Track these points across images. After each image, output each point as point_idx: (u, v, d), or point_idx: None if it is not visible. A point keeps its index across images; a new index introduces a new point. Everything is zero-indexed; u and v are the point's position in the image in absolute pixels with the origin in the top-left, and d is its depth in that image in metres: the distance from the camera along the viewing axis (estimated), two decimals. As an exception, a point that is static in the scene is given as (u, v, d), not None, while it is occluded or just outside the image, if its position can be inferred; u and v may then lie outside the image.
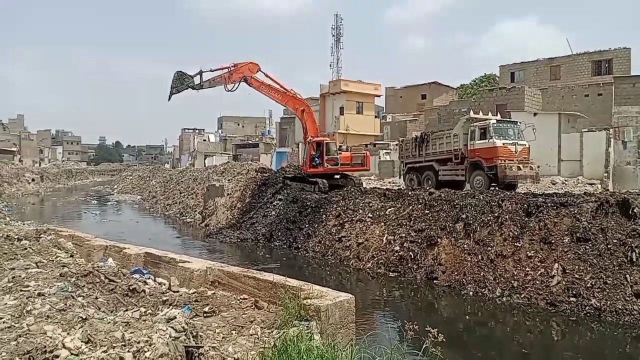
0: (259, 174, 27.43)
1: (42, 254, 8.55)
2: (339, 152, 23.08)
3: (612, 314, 9.95)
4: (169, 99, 22.75)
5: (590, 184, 24.25)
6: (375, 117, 49.86)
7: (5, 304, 5.62)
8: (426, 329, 4.86)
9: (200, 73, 22.65)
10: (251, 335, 5.60)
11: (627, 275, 10.36)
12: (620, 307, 9.98)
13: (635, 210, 11.31)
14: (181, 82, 22.44)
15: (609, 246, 11.01)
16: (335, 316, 6.09)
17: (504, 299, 11.44)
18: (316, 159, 22.85)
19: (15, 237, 9.76)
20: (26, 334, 4.48)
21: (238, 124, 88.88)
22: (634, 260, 10.49)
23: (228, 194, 26.40)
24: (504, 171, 18.08)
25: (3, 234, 10.09)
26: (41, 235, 10.70)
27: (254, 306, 6.54)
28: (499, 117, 22.33)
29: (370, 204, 17.46)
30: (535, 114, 28.43)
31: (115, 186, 62.48)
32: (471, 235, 13.38)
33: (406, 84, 56.27)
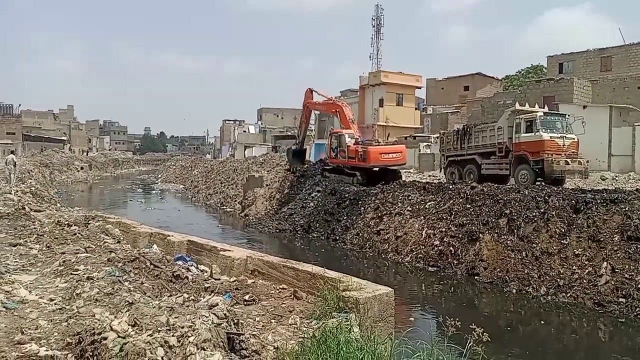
0: (283, 153, 27.76)
1: (91, 239, 8.91)
2: (362, 144, 22.92)
3: (667, 317, 9.45)
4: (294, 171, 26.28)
5: (644, 180, 23.01)
6: (416, 109, 49.05)
7: (57, 286, 5.90)
8: (470, 326, 4.72)
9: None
10: (290, 324, 5.63)
11: (684, 278, 9.80)
12: (675, 310, 9.46)
13: (695, 209, 10.66)
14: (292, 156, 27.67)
15: (664, 246, 10.44)
16: (374, 309, 6.03)
17: (549, 297, 11.06)
18: (334, 150, 23.74)
19: (66, 222, 10.22)
20: (76, 316, 4.68)
21: (277, 115, 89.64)
22: (692, 261, 9.90)
23: (267, 185, 26.71)
24: (550, 166, 17.45)
25: (54, 220, 10.58)
26: (90, 222, 11.14)
27: (293, 296, 6.57)
28: (546, 109, 21.50)
29: (410, 197, 17.23)
30: (584, 107, 27.20)
31: (159, 175, 64.39)
32: (515, 231, 12.99)
33: (448, 75, 55.07)
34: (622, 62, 38.21)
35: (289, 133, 65.31)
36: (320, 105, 27.46)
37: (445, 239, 14.36)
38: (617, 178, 23.91)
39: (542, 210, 12.93)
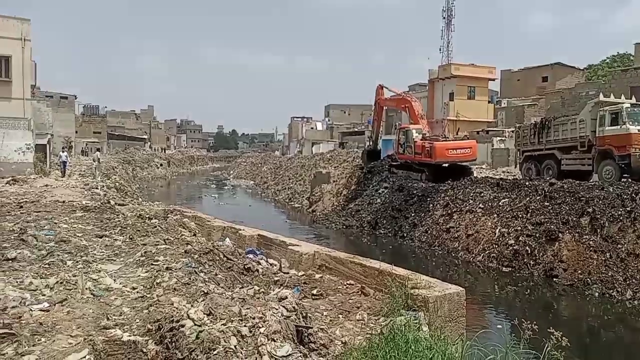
0: (358, 156, 27.67)
1: (170, 232, 9.43)
2: (428, 139, 22.28)
3: None
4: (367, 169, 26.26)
5: None
6: (489, 102, 47.07)
7: (139, 275, 6.30)
8: (547, 330, 4.48)
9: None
10: (358, 320, 5.64)
11: None
12: None
13: None
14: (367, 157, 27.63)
15: None
16: (444, 309, 5.89)
17: (636, 302, 10.25)
18: (402, 145, 23.43)
19: (147, 216, 10.90)
20: (156, 304, 4.98)
21: (344, 112, 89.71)
22: None
23: (334, 181, 26.88)
24: (638, 161, 16.09)
25: (136, 213, 11.32)
26: (168, 215, 11.80)
27: (360, 292, 6.57)
28: (633, 100, 19.85)
29: (482, 194, 16.62)
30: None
31: (231, 172, 66.84)
32: (598, 231, 12.14)
33: (525, 66, 52.30)
34: None
35: (356, 129, 65.32)
36: (390, 101, 27.36)
37: (520, 238, 13.70)
38: None
39: (628, 209, 12.02)
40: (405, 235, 17.93)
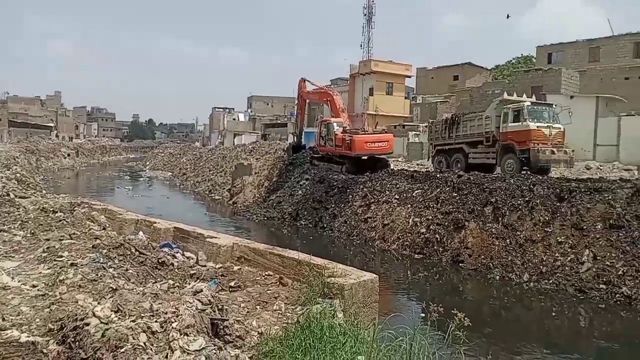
0: (284, 153, 27.61)
1: (76, 226, 8.84)
2: (348, 132, 22.85)
3: (645, 303, 9.68)
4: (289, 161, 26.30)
5: (627, 170, 23.36)
6: (406, 98, 49.08)
7: (40, 273, 5.87)
8: (452, 311, 4.79)
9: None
10: (275, 310, 5.68)
11: (663, 265, 10.03)
12: (654, 296, 9.70)
13: (674, 198, 10.88)
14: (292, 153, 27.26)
15: (644, 234, 10.65)
16: (359, 295, 6.10)
17: (532, 284, 11.27)
18: (323, 138, 23.80)
19: (51, 209, 10.12)
20: (59, 302, 4.67)
21: (267, 104, 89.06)
22: (672, 249, 10.13)
23: (256, 173, 26.66)
24: (536, 155, 17.59)
25: (39, 206, 10.48)
26: (75, 208, 11.04)
27: (278, 283, 6.62)
28: (533, 99, 21.66)
29: (398, 186, 17.34)
30: (571, 97, 27.43)
31: (147, 163, 63.90)
32: (500, 219, 13.17)
33: (438, 65, 55.06)
34: (610, 53, 38.49)
35: (279, 121, 65.12)
36: (313, 94, 27.68)
37: (431, 227, 14.50)
38: (601, 167, 24.23)
39: (527, 199, 13.10)
40: (325, 225, 18.27)
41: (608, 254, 10.80)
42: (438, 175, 17.03)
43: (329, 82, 53.62)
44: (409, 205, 15.93)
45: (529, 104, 18.99)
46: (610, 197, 11.85)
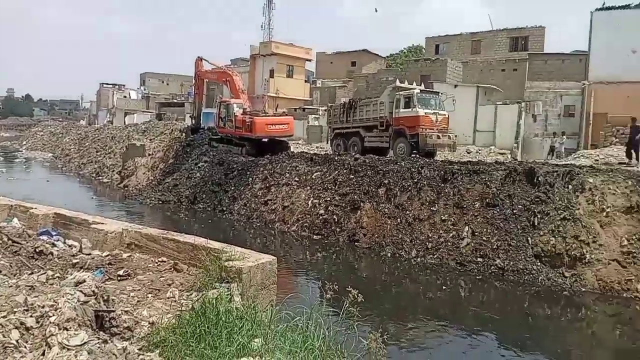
0: (184, 134, 26.44)
1: None
2: (249, 114, 22.61)
3: (514, 273, 10.91)
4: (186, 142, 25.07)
5: (502, 154, 25.98)
6: (306, 81, 49.48)
7: None
8: (347, 289, 4.97)
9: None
10: (168, 298, 5.46)
11: (529, 238, 11.35)
12: (521, 267, 10.95)
13: (539, 179, 12.29)
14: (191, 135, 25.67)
15: (514, 211, 11.94)
16: (257, 278, 6.09)
17: (419, 259, 12.14)
18: (222, 119, 23.35)
19: None
20: None
21: (162, 82, 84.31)
22: (536, 224, 11.48)
23: (150, 154, 25.26)
24: (424, 139, 18.77)
25: None
26: None
27: (172, 269, 6.36)
28: (422, 87, 23.00)
29: (297, 168, 17.52)
30: (455, 86, 29.62)
31: (24, 142, 57.54)
32: (392, 199, 13.92)
33: (337, 50, 56.13)
34: (489, 46, 42.09)
35: (175, 100, 62.17)
36: (211, 73, 26.83)
37: (329, 208, 14.91)
38: (480, 151, 26.65)
39: (415, 181, 13.98)
40: (224, 209, 17.94)
41: (484, 230, 11.95)
42: (336, 158, 17.48)
43: (229, 62, 52.19)
44: (309, 188, 16.21)
45: (418, 91, 20.14)
46: (487, 179, 13.06)
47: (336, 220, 14.47)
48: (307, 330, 4.80)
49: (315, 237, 14.47)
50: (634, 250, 10.40)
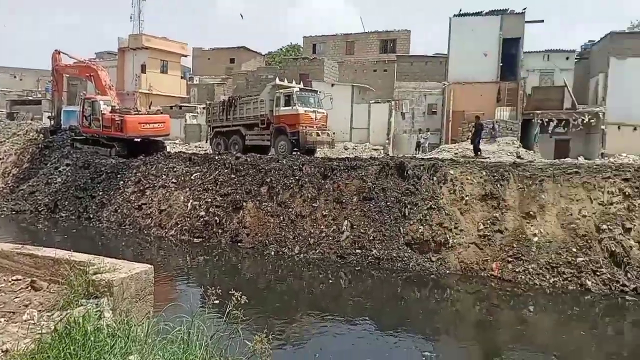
0: (41, 135, 23.69)
1: None
2: (119, 112, 21.14)
3: (389, 261, 11.64)
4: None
5: (375, 149, 27.61)
6: (182, 78, 47.48)
7: None
8: (230, 292, 4.84)
9: None
10: (25, 321, 4.85)
11: (401, 228, 12.19)
12: (394, 255, 11.73)
13: (409, 172, 13.26)
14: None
15: (387, 203, 12.74)
16: (131, 290, 5.67)
17: (302, 255, 12.37)
18: (87, 118, 21.52)
19: None
20: None
21: (15, 76, 74.80)
22: (407, 215, 12.37)
23: (0, 159, 22.25)
24: (305, 137, 19.11)
25: None
26: None
27: (30, 287, 5.67)
28: (301, 85, 23.40)
29: (175, 169, 16.74)
30: (332, 85, 30.73)
31: None
32: (274, 198, 13.98)
33: (215, 46, 54.74)
34: (362, 47, 44.31)
35: (30, 98, 55.63)
36: (72, 68, 24.35)
37: (210, 209, 14.51)
38: (356, 148, 28.01)
39: (297, 178, 14.20)
40: (91, 216, 16.49)
41: (362, 222, 12.57)
42: (217, 158, 17.04)
43: (94, 56, 48.05)
44: (188, 189, 15.59)
45: (298, 90, 20.45)
46: (363, 174, 13.74)
47: (218, 221, 14.12)
48: (188, 340, 4.60)
49: (196, 240, 13.97)
50: (488, 234, 11.73)
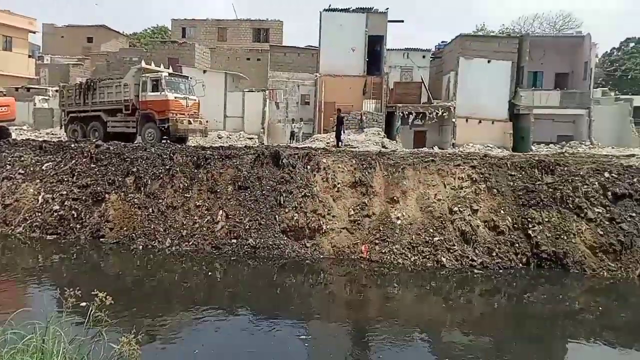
0: None
1: None
2: None
3: (265, 249, 11.67)
4: None
5: (250, 138, 27.48)
6: (30, 56, 41.95)
7: None
8: (92, 292, 4.40)
9: None
10: None
11: (277, 216, 12.28)
12: (271, 243, 11.79)
13: (284, 161, 13.39)
14: None
15: (263, 192, 12.73)
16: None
17: (174, 248, 11.82)
18: None
19: None
20: None
21: None
22: (282, 203, 12.49)
23: None
24: (175, 124, 18.28)
25: None
26: None
27: None
28: (170, 70, 22.24)
29: (22, 159, 14.81)
30: (204, 71, 29.79)
31: None
32: (142, 188, 13.13)
33: (70, 23, 49.28)
34: (235, 34, 43.49)
35: None
36: None
37: (66, 203, 13.11)
38: (230, 136, 27.58)
39: (167, 167, 13.51)
40: None
41: (237, 212, 12.40)
42: (73, 146, 15.45)
43: None
44: (38, 181, 13.89)
45: (167, 74, 19.41)
46: (238, 163, 13.54)
47: (75, 216, 12.82)
48: (43, 348, 4.11)
49: (49, 237, 12.52)
50: (358, 219, 12.38)
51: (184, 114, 18.79)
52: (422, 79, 31.85)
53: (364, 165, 13.31)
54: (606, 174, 12.68)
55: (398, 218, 12.32)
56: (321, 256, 11.81)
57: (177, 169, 13.42)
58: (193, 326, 7.91)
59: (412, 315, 9.38)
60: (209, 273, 10.84)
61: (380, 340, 7.80)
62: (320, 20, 29.39)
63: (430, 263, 11.44)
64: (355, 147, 18.69)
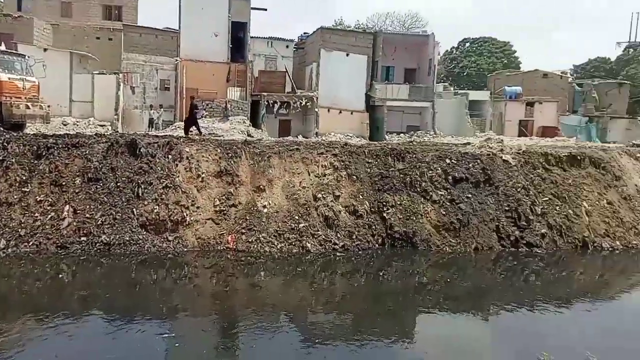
0: None
1: None
2: None
3: (121, 246, 10.84)
4: None
5: (102, 125, 25.17)
6: None
7: None
8: None
9: None
10: None
11: (134, 209, 11.46)
12: (127, 238, 10.99)
13: (142, 150, 12.50)
14: None
15: (118, 184, 11.77)
16: None
17: (10, 250, 10.37)
18: None
19: None
20: None
21: None
22: (140, 195, 11.69)
23: None
24: (10, 109, 15.93)
25: None
26: None
27: None
28: (3, 47, 19.26)
29: None
30: (45, 50, 26.45)
31: None
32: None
33: None
34: (81, 11, 39.15)
35: None
36: None
37: None
38: (78, 123, 24.96)
39: (1, 158, 11.74)
40: None
41: (88, 206, 11.29)
42: None
43: None
44: None
45: (-1, 52, 16.80)
46: (88, 152, 12.30)
47: None
48: None
49: None
50: (224, 209, 12.16)
51: (20, 98, 16.45)
52: (286, 68, 32.26)
53: (230, 154, 13.08)
54: (447, 160, 14.26)
55: (264, 206, 12.38)
56: (185, 249, 11.36)
57: (13, 160, 11.75)
58: (38, 335, 7.04)
59: (279, 301, 9.53)
60: (55, 275, 9.73)
61: (250, 329, 7.81)
62: (179, 3, 27.96)
63: (296, 249, 11.73)
64: (220, 136, 18.24)
